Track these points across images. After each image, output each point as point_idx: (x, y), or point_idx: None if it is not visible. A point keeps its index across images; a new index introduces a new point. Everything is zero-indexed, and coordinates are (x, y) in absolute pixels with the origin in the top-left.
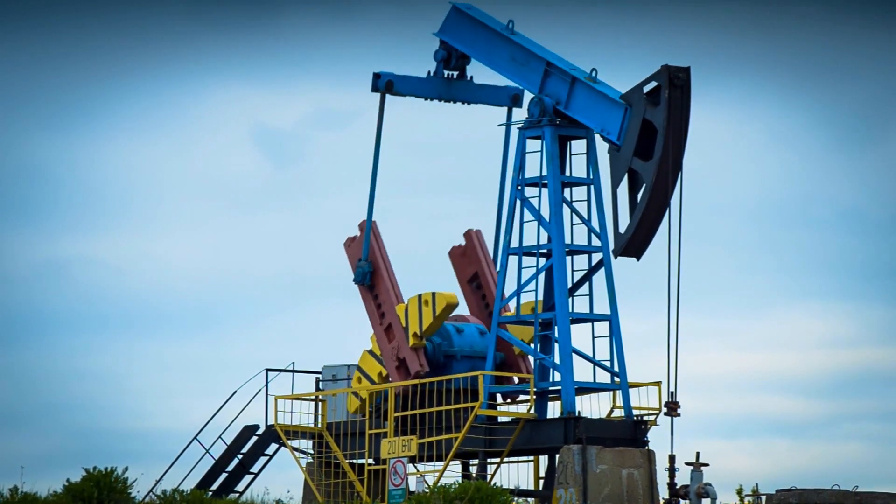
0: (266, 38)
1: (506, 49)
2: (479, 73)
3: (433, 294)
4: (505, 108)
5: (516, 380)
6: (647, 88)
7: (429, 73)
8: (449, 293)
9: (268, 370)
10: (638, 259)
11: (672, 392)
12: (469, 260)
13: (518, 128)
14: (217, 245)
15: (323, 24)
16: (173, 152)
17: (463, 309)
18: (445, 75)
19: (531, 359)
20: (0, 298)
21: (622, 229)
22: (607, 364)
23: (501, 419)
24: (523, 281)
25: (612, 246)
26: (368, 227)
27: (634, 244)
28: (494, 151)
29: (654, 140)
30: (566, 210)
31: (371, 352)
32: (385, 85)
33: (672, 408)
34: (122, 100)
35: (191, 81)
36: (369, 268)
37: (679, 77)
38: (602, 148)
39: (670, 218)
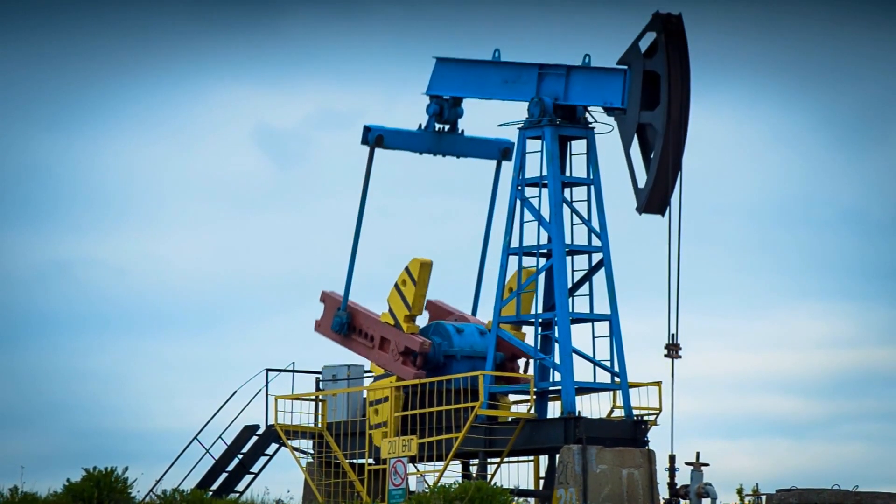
0: (269, 38)
1: (496, 74)
2: (472, 116)
3: (405, 268)
4: (494, 161)
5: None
6: (643, 46)
7: (420, 125)
8: (420, 257)
9: (268, 370)
10: (662, 215)
11: (673, 334)
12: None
13: (518, 128)
14: (219, 245)
15: (326, 25)
16: (176, 152)
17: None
18: (437, 128)
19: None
20: (2, 298)
21: (641, 185)
22: (607, 364)
23: (501, 419)
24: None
25: (624, 226)
26: (350, 276)
27: (656, 198)
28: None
29: (657, 89)
30: (566, 210)
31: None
32: (375, 139)
33: (673, 349)
34: (124, 100)
35: (193, 81)
36: (347, 318)
37: (672, 22)
38: (602, 146)
39: (670, 218)
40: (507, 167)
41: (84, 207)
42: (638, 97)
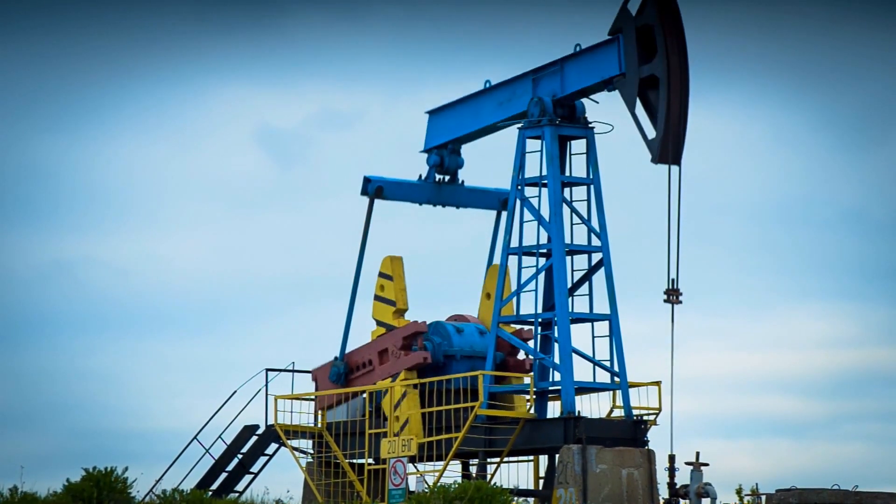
0: (270, 38)
1: (490, 100)
2: (472, 168)
3: (379, 273)
4: (494, 212)
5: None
6: (633, 9)
7: (420, 176)
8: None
9: (267, 370)
10: (678, 164)
11: (673, 279)
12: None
13: (518, 128)
14: (220, 245)
15: (327, 26)
16: (177, 152)
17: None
18: (437, 179)
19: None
20: (3, 299)
21: (650, 136)
22: (607, 364)
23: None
24: (523, 281)
25: (626, 222)
26: (347, 327)
27: (668, 146)
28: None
29: (653, 41)
30: (566, 210)
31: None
32: (375, 190)
33: (673, 294)
34: (125, 100)
35: (195, 82)
36: (345, 368)
37: None
38: (602, 146)
39: (669, 218)
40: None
41: (85, 207)
42: (635, 56)
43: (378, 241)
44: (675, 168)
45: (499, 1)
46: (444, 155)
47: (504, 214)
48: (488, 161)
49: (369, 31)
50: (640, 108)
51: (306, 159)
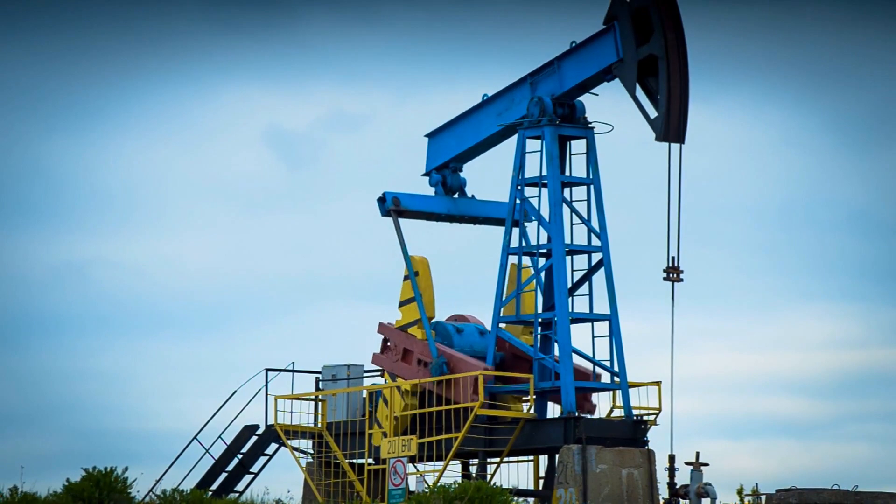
0: (281, 40)
1: (489, 112)
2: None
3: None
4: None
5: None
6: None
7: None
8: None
9: (267, 370)
10: (682, 142)
11: (673, 257)
12: None
13: (518, 128)
14: (227, 246)
15: (337, 28)
16: (186, 153)
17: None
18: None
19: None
20: (6, 300)
21: (653, 115)
22: (607, 364)
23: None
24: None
25: (626, 222)
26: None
27: (672, 123)
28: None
29: (649, 22)
30: (566, 210)
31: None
32: (392, 201)
33: (674, 272)
34: (135, 101)
35: (205, 82)
36: (444, 360)
37: None
38: (602, 146)
39: (669, 217)
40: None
41: (93, 208)
42: (632, 39)
43: (378, 241)
44: (675, 146)
45: (502, 1)
46: (447, 175)
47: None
48: (490, 173)
49: (379, 34)
50: (641, 94)
51: (315, 161)
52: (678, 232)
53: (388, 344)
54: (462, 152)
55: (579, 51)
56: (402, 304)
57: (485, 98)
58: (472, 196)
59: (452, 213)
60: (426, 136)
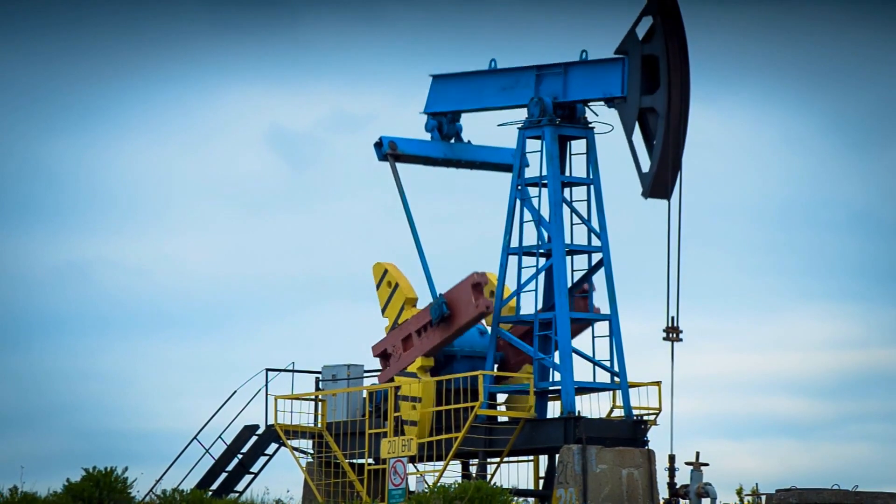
0: (283, 40)
1: (494, 83)
2: (475, 125)
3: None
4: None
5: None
6: (640, 33)
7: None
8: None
9: (267, 370)
10: (668, 199)
11: (673, 317)
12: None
13: (518, 128)
14: (228, 247)
15: (339, 28)
16: (188, 153)
17: None
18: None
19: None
20: (7, 300)
21: (645, 169)
22: (607, 364)
23: (501, 419)
24: (523, 281)
25: (625, 225)
26: (427, 269)
27: (661, 181)
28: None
29: (657, 72)
30: (566, 210)
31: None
32: (389, 145)
33: (673, 331)
34: (136, 102)
35: (207, 83)
36: (447, 307)
37: (667, 3)
38: (602, 146)
39: (669, 203)
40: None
41: (94, 208)
42: (638, 83)
43: (378, 243)
44: (674, 204)
45: (503, 2)
46: (443, 122)
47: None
48: (487, 120)
49: (381, 34)
50: (637, 134)
51: (317, 161)
52: (678, 291)
53: (388, 351)
54: (461, 110)
55: (587, 68)
56: (383, 309)
57: (493, 65)
58: (469, 142)
59: (449, 157)
60: (431, 76)
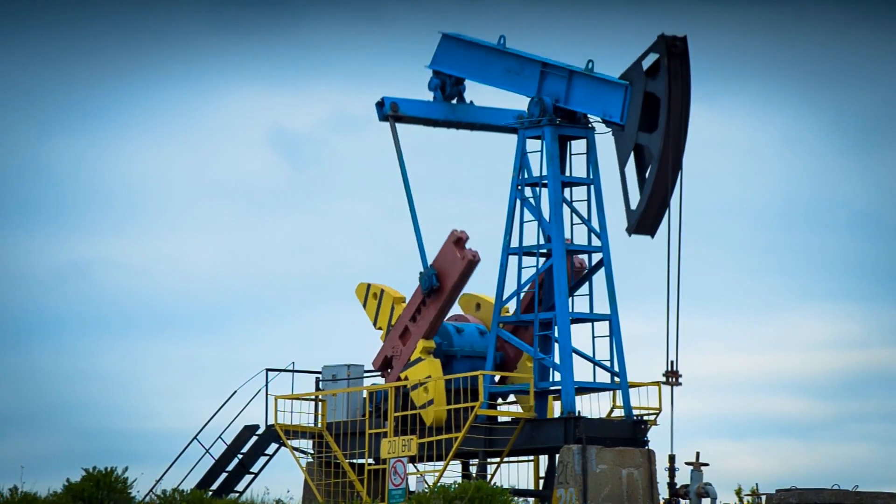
0: (284, 40)
1: (500, 63)
2: (477, 95)
3: (432, 401)
4: (509, 134)
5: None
6: (646, 65)
7: (433, 98)
8: (441, 412)
9: (268, 370)
10: (652, 236)
11: (672, 361)
12: None
13: (518, 128)
14: (229, 247)
15: (341, 28)
16: (189, 153)
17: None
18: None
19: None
20: (7, 300)
21: (633, 206)
22: (607, 364)
23: (501, 419)
24: (523, 281)
25: (625, 224)
26: (419, 238)
27: (647, 220)
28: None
29: (657, 112)
30: (566, 210)
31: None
32: (391, 107)
33: (673, 375)
34: (138, 102)
35: (208, 83)
36: (436, 277)
37: (677, 45)
38: (602, 146)
39: (670, 219)
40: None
41: (95, 208)
42: (637, 116)
43: (380, 241)
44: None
45: (504, 2)
46: (447, 81)
47: (520, 134)
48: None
49: (383, 34)
50: (631, 162)
51: (318, 162)
52: (677, 336)
53: (388, 356)
54: (464, 78)
55: (591, 84)
56: (375, 321)
57: (502, 42)
58: (471, 102)
59: (450, 119)
60: (441, 32)
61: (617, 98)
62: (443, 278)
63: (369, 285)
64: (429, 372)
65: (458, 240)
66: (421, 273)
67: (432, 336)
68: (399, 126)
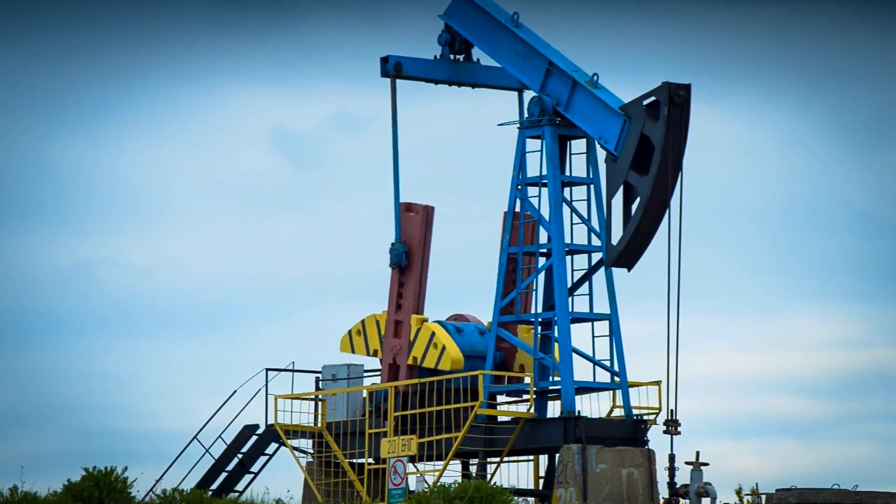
0: (287, 40)
1: (509, 42)
2: (484, 59)
3: (444, 347)
4: (514, 94)
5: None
6: (646, 102)
7: (435, 57)
8: (455, 353)
9: (267, 370)
10: (629, 270)
11: (672, 410)
12: None
13: (518, 127)
14: (231, 247)
15: (343, 28)
16: (191, 153)
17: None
18: (452, 59)
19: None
20: (7, 300)
21: (615, 240)
22: (607, 364)
23: (501, 419)
24: (523, 281)
25: (604, 256)
26: (397, 208)
27: (626, 256)
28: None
29: (651, 154)
30: (566, 210)
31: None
32: (394, 66)
33: (672, 424)
34: (138, 101)
35: (210, 83)
36: (404, 248)
37: (679, 94)
38: (601, 150)
39: (670, 220)
40: (529, 96)
41: (95, 208)
42: (631, 155)
43: (380, 241)
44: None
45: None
46: (456, 38)
47: (524, 94)
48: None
49: (384, 34)
50: (619, 197)
51: (321, 162)
52: (675, 386)
53: (393, 361)
54: (472, 43)
55: (593, 103)
56: (367, 349)
57: (516, 18)
58: (478, 60)
59: (453, 79)
60: None
61: (615, 126)
62: (410, 244)
63: (349, 331)
64: (429, 334)
65: (407, 206)
66: (390, 249)
67: (422, 310)
68: (401, 127)
